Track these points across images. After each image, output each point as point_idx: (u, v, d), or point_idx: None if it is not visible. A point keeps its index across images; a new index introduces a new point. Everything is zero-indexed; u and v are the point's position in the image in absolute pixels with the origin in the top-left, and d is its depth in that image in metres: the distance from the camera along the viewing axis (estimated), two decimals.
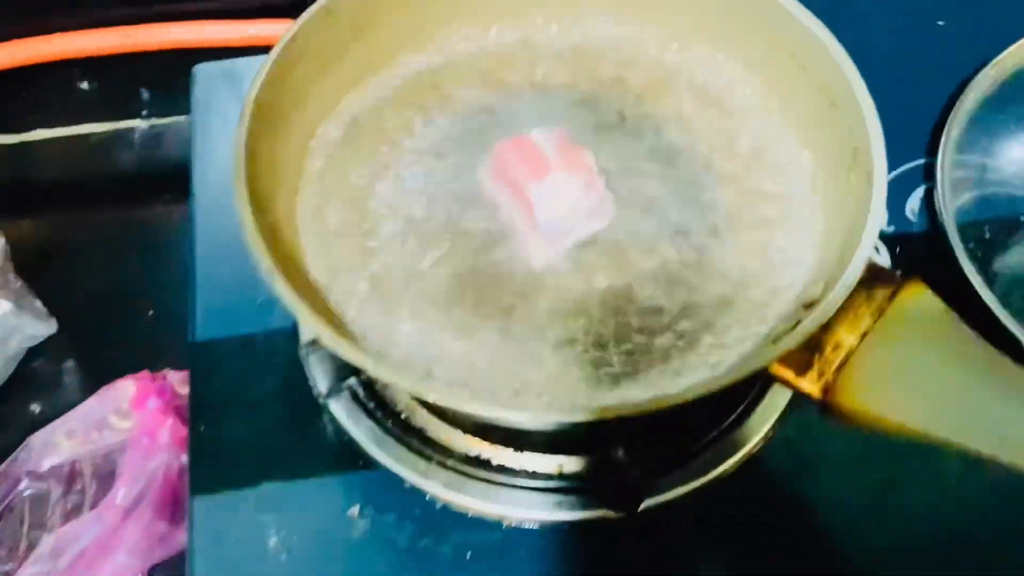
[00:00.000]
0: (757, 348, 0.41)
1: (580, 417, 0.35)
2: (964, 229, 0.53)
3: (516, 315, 0.43)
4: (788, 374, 0.38)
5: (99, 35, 0.69)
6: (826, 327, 0.38)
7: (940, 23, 0.63)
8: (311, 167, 0.47)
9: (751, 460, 0.47)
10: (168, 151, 0.79)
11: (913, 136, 0.57)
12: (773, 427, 0.48)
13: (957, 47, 0.60)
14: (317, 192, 0.47)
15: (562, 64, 0.51)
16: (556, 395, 0.41)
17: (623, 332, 0.43)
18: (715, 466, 0.47)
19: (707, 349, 0.42)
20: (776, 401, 0.49)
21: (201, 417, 0.48)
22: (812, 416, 0.49)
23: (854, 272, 0.38)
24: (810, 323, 0.37)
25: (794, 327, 0.39)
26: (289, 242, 0.43)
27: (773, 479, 0.47)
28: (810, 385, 0.37)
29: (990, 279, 0.51)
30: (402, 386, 0.35)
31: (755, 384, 0.49)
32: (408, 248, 0.45)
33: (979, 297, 0.49)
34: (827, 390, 0.37)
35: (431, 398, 0.37)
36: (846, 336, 0.38)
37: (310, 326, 0.37)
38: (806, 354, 0.38)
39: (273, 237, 0.40)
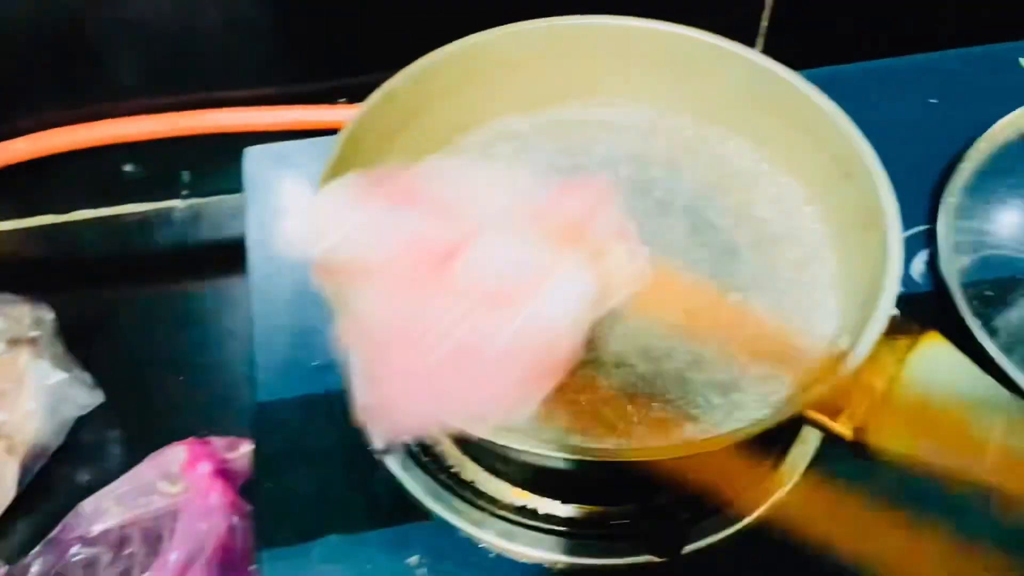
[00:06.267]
0: (789, 397, 0.44)
1: (643, 457, 0.39)
2: (966, 289, 0.57)
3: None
4: (822, 418, 0.41)
5: (147, 121, 0.74)
6: (854, 374, 0.42)
7: (932, 101, 0.68)
8: None
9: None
10: (206, 229, 0.83)
11: (914, 205, 0.62)
12: (807, 470, 0.51)
13: (948, 124, 0.65)
14: None
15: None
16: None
17: (661, 385, 0.46)
18: (754, 509, 0.50)
19: (739, 400, 0.46)
20: (807, 447, 0.52)
21: (266, 474, 0.51)
22: (842, 457, 0.53)
23: (879, 326, 0.42)
24: (843, 371, 0.41)
25: (823, 375, 0.43)
26: None
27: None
28: (843, 427, 0.41)
29: (992, 333, 0.55)
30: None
31: (786, 431, 0.53)
32: None
33: (984, 350, 0.53)
34: (859, 431, 0.41)
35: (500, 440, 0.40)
36: (873, 381, 0.42)
37: None
38: (838, 399, 0.42)
39: None
